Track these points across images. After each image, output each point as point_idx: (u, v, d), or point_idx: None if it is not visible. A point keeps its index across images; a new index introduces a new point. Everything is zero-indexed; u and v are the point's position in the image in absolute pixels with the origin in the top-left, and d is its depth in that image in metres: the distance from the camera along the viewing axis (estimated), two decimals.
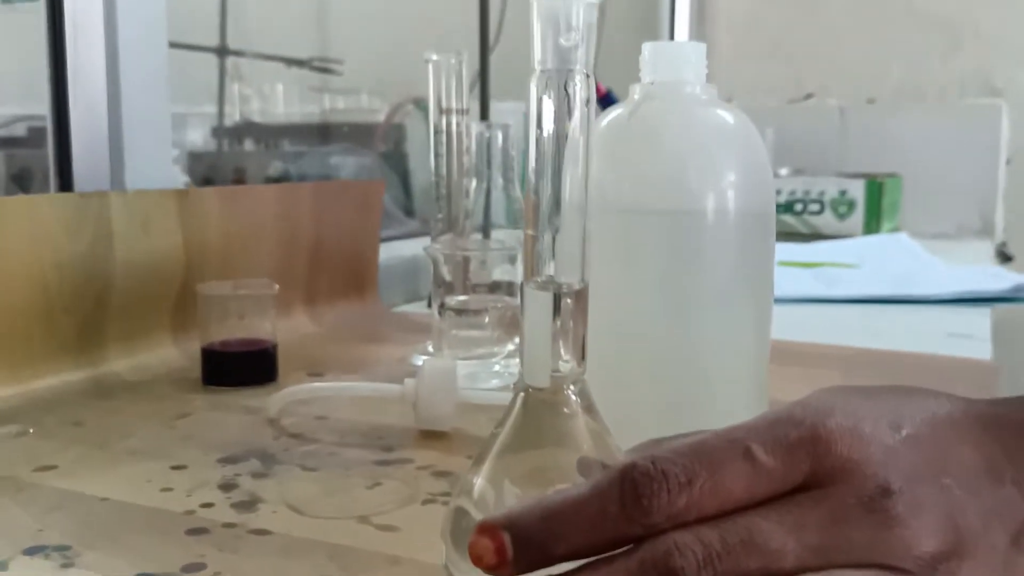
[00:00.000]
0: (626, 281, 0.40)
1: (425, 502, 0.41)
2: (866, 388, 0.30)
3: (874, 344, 0.74)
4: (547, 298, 0.31)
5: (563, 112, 0.29)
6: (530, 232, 0.30)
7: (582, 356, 0.32)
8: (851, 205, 1.49)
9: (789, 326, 0.74)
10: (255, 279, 0.63)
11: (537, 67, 0.29)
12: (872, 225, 1.48)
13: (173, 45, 0.74)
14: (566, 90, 0.29)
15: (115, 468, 0.45)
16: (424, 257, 0.67)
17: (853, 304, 0.94)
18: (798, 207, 1.52)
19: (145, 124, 0.71)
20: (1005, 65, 1.62)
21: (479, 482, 0.31)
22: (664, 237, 0.40)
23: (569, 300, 0.31)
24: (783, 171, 1.65)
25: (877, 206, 1.48)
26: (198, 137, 1.46)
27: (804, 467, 0.26)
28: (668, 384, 0.40)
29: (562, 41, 0.28)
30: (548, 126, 0.29)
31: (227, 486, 0.42)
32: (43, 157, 1.58)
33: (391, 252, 0.97)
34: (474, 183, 0.67)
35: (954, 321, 0.85)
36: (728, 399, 0.41)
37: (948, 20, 1.64)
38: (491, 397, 0.53)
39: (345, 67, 1.55)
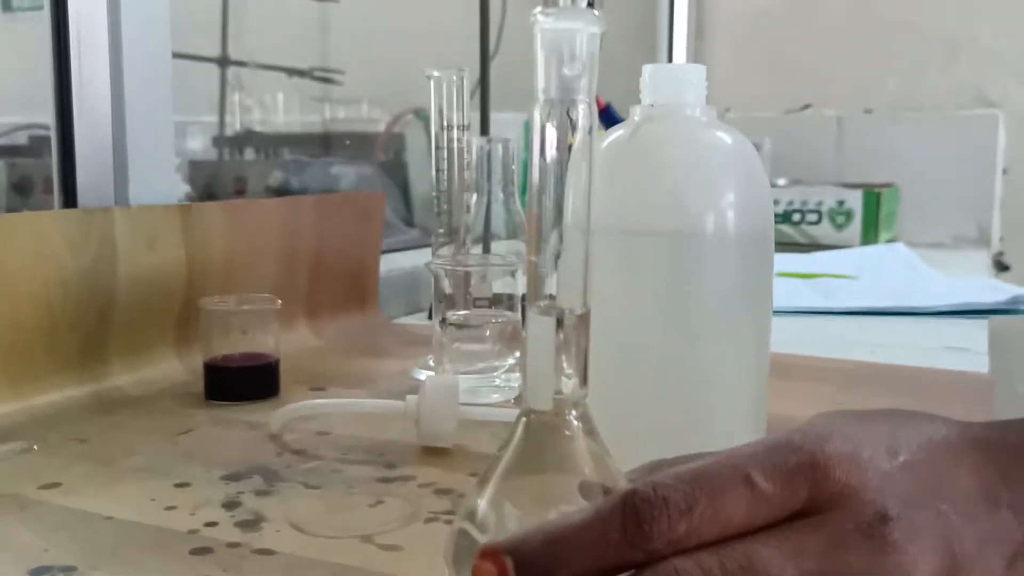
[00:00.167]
0: (627, 301, 0.41)
1: (427, 520, 0.41)
2: (863, 413, 0.31)
3: (872, 357, 0.74)
4: (550, 323, 0.31)
5: (565, 140, 0.29)
6: (532, 258, 0.31)
7: (584, 379, 0.32)
8: (849, 215, 1.49)
9: (788, 339, 0.75)
10: (258, 294, 0.64)
11: (540, 96, 0.29)
12: (870, 235, 1.49)
13: (175, 55, 0.74)
14: (569, 117, 0.29)
15: (119, 486, 0.45)
16: (424, 268, 0.68)
17: (851, 316, 0.94)
18: (796, 217, 1.53)
19: (149, 134, 0.71)
20: (1001, 76, 1.63)
21: (482, 505, 0.32)
22: (665, 258, 0.40)
23: (571, 324, 0.31)
24: (781, 181, 1.66)
25: (875, 216, 1.49)
26: (199, 146, 1.47)
27: (803, 493, 0.27)
28: (669, 403, 0.40)
29: (565, 71, 0.29)
30: (551, 154, 0.30)
31: (230, 504, 0.43)
32: (44, 166, 1.58)
33: (392, 264, 0.97)
34: (474, 197, 0.68)
35: (951, 334, 0.85)
36: (729, 417, 0.41)
37: (944, 32, 1.65)
38: (492, 414, 0.53)
39: (346, 77, 1.56)
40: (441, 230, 0.67)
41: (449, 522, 0.41)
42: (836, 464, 0.27)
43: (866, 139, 1.70)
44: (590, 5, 0.39)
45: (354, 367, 0.71)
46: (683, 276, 0.40)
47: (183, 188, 1.24)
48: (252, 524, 0.40)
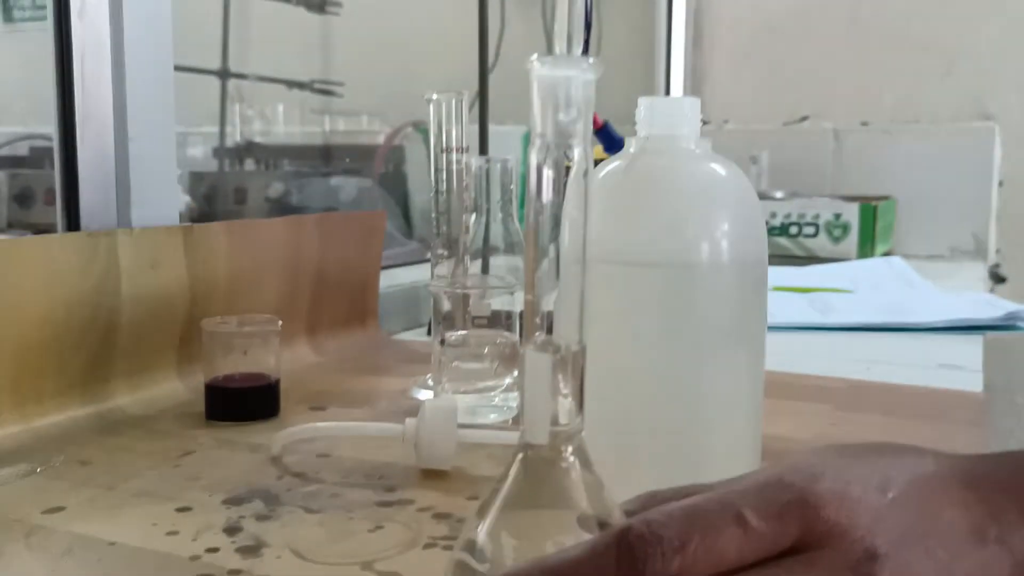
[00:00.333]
0: (624, 330, 0.41)
1: (426, 546, 0.42)
2: (854, 448, 0.32)
3: (867, 375, 0.75)
4: (546, 360, 0.32)
5: (561, 182, 0.30)
6: (529, 297, 0.31)
7: (580, 414, 0.33)
8: (846, 228, 1.50)
9: (784, 355, 0.75)
10: (259, 315, 0.64)
11: (537, 140, 0.30)
12: (866, 248, 1.50)
13: (177, 68, 0.75)
14: (566, 158, 0.30)
15: (122, 510, 0.46)
16: (423, 284, 0.68)
17: (847, 332, 0.95)
18: (793, 230, 1.53)
19: (151, 147, 0.72)
20: (997, 90, 1.64)
21: (481, 537, 0.32)
22: (661, 288, 0.41)
23: (567, 361, 0.32)
24: (778, 194, 1.67)
25: (871, 229, 1.50)
26: (200, 158, 1.48)
27: (794, 531, 0.28)
28: (666, 430, 0.41)
29: (561, 116, 0.29)
30: (547, 196, 0.30)
31: (232, 529, 0.43)
32: (45, 177, 1.59)
33: (391, 279, 0.98)
34: (473, 217, 0.69)
35: (946, 351, 0.86)
36: (724, 444, 0.42)
37: (941, 45, 1.66)
38: (490, 436, 0.54)
39: (346, 89, 1.56)
40: (440, 251, 0.68)
41: (447, 548, 0.41)
42: (827, 503, 0.28)
43: (863, 152, 1.71)
44: (585, 52, 0.40)
45: (354, 385, 0.71)
46: (679, 305, 0.41)
47: (183, 199, 1.24)
48: (253, 550, 0.41)
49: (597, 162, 0.81)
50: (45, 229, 1.39)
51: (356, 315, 0.86)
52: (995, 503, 0.30)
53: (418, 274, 1.07)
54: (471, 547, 0.32)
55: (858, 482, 0.29)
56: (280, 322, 0.63)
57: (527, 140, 0.31)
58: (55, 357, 0.59)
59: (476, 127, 1.34)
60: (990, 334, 0.94)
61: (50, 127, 0.73)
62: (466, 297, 0.66)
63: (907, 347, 0.89)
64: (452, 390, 0.64)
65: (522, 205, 0.87)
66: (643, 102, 0.43)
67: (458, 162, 0.67)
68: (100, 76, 0.69)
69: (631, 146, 0.43)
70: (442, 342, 0.65)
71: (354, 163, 1.58)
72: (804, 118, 1.77)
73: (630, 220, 0.41)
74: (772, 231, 1.53)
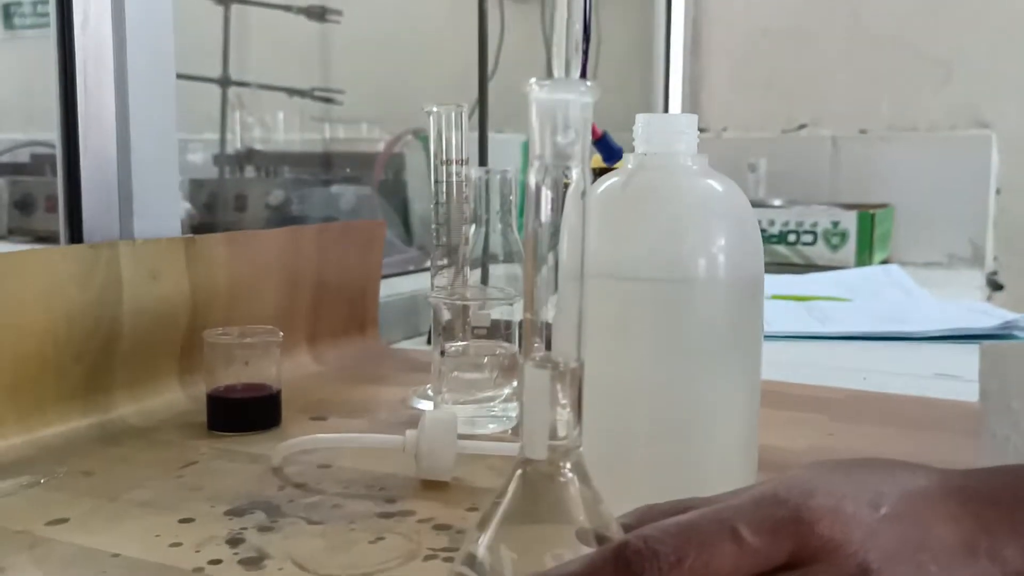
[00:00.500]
0: (621, 345, 0.42)
1: (427, 558, 0.42)
2: (847, 463, 0.32)
3: (863, 384, 0.75)
4: (544, 376, 0.32)
5: (560, 203, 0.31)
6: (528, 315, 0.32)
7: (578, 429, 0.33)
8: (844, 236, 1.51)
9: (782, 364, 0.76)
10: (260, 326, 0.65)
11: (536, 161, 0.30)
12: (864, 255, 1.50)
13: (178, 76, 0.75)
14: (564, 179, 0.31)
15: (125, 521, 0.46)
16: (423, 292, 0.69)
17: (844, 340, 0.96)
18: (791, 238, 1.54)
19: (153, 155, 0.72)
20: (994, 97, 1.65)
21: (481, 551, 0.33)
22: (658, 303, 0.41)
23: (566, 377, 0.32)
24: (777, 202, 1.67)
25: (869, 237, 1.50)
26: (200, 165, 1.48)
27: (788, 546, 0.28)
28: (662, 444, 0.42)
29: (559, 138, 0.30)
30: (545, 216, 0.31)
31: (234, 541, 0.44)
32: (46, 184, 1.59)
33: (391, 288, 0.99)
34: (473, 228, 0.69)
35: (942, 360, 0.86)
36: (720, 457, 0.43)
37: (939, 54, 1.67)
38: (490, 448, 0.54)
39: (346, 97, 1.57)
40: (440, 262, 0.68)
41: (448, 560, 0.42)
42: (820, 518, 0.28)
43: (861, 159, 1.72)
44: (585, 60, 0.40)
45: (354, 395, 0.72)
46: (675, 320, 0.41)
47: (184, 206, 1.25)
48: (255, 562, 0.41)
49: (596, 171, 0.82)
50: (46, 236, 1.39)
51: (356, 324, 0.86)
52: (986, 518, 0.30)
53: (418, 283, 1.07)
54: (471, 561, 0.33)
55: (851, 498, 0.29)
56: (281, 333, 0.64)
57: (527, 148, 0.31)
58: (57, 368, 0.59)
59: (475, 135, 1.35)
60: (986, 343, 0.94)
61: (51, 134, 0.73)
62: (466, 308, 0.66)
63: (903, 356, 0.90)
64: (452, 400, 0.65)
65: (521, 214, 0.87)
66: (641, 119, 0.43)
67: (458, 174, 0.68)
68: (102, 86, 0.70)
69: (629, 162, 0.43)
70: (442, 352, 0.66)
71: (354, 170, 1.59)
72: (802, 126, 1.78)
73: (628, 235, 0.42)
74: (770, 239, 1.54)
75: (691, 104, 1.86)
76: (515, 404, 0.65)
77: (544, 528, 0.33)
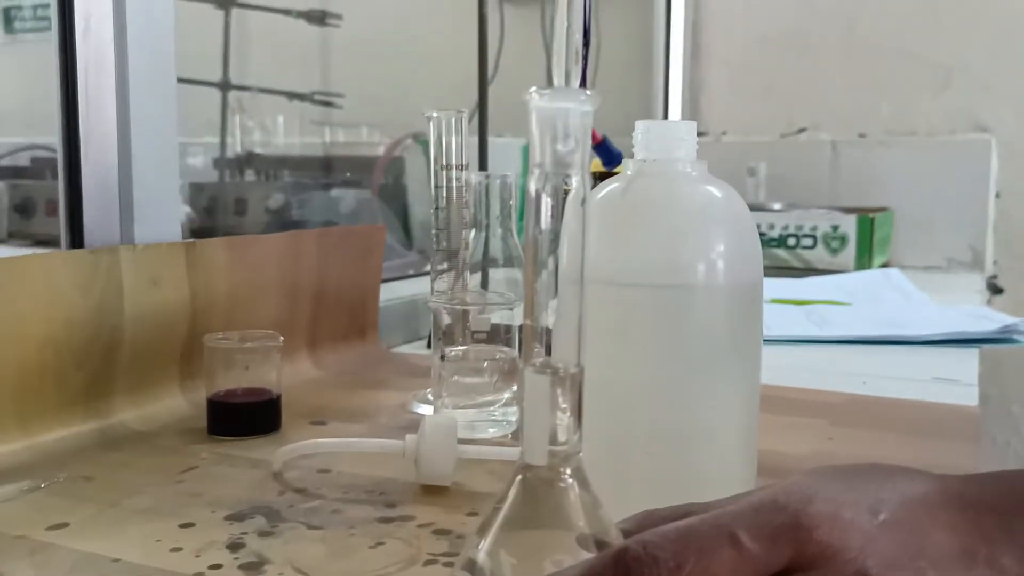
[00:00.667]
0: (620, 351, 0.42)
1: (427, 563, 0.42)
2: (846, 469, 0.32)
3: (862, 389, 0.76)
4: (545, 382, 0.32)
5: (560, 210, 0.31)
6: (528, 322, 0.32)
7: (578, 434, 0.33)
8: (843, 240, 1.51)
9: (781, 368, 0.76)
10: (261, 330, 0.65)
11: (536, 169, 0.31)
12: (864, 259, 1.51)
13: (178, 80, 0.76)
14: (564, 187, 0.31)
15: (126, 526, 0.46)
16: (423, 297, 0.69)
17: (843, 345, 0.96)
18: (791, 242, 1.54)
19: (155, 161, 0.72)
20: (993, 102, 1.65)
21: (481, 556, 0.33)
22: (657, 309, 0.42)
23: (566, 383, 0.32)
24: (776, 205, 1.68)
25: (869, 241, 1.50)
26: (200, 168, 1.49)
27: (787, 552, 0.28)
28: (661, 450, 0.42)
29: (559, 147, 0.30)
30: (545, 223, 0.31)
31: (234, 546, 0.44)
32: (46, 188, 1.59)
33: (391, 293, 0.99)
34: (473, 232, 0.69)
35: (942, 364, 0.87)
36: (719, 463, 0.43)
37: (938, 58, 1.67)
38: (491, 452, 0.54)
39: (346, 101, 1.57)
40: (440, 267, 0.69)
41: (448, 565, 0.42)
42: (819, 524, 0.28)
43: (860, 163, 1.72)
44: (584, 65, 0.40)
45: (354, 400, 0.72)
46: (675, 326, 0.41)
47: (184, 210, 1.25)
48: (256, 567, 0.42)
49: (595, 175, 0.82)
50: (46, 239, 1.39)
51: (356, 329, 0.87)
52: (984, 525, 0.30)
53: (417, 287, 1.07)
54: (471, 566, 0.33)
55: (850, 504, 0.29)
56: (281, 338, 0.64)
57: (526, 152, 0.31)
58: (57, 373, 0.59)
59: (475, 139, 1.35)
60: (986, 347, 0.94)
61: (51, 137, 0.73)
62: (466, 312, 0.66)
63: (903, 361, 0.90)
64: (452, 404, 0.65)
65: (521, 219, 0.88)
66: (640, 125, 0.43)
67: (458, 179, 0.68)
68: (103, 90, 0.70)
69: (628, 168, 0.44)
70: (442, 357, 0.66)
71: (354, 175, 1.59)
72: (802, 130, 1.78)
73: (627, 242, 0.42)
74: (770, 243, 1.54)
75: (691, 109, 1.86)
76: (515, 408, 0.65)
77: (544, 533, 0.33)
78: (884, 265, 1.58)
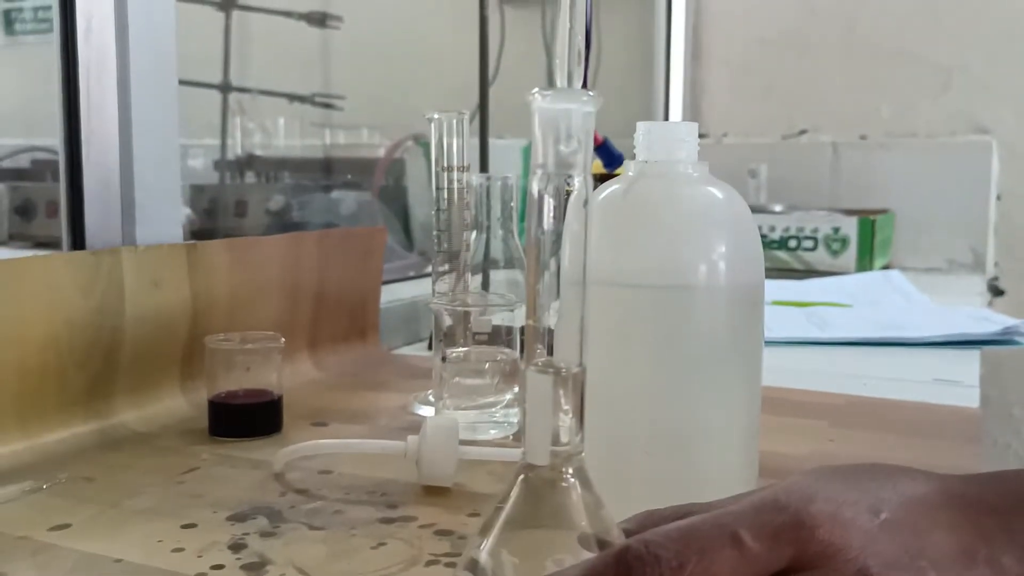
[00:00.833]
0: (622, 352, 0.42)
1: (428, 564, 0.42)
2: (846, 469, 0.32)
3: (863, 390, 0.75)
4: (547, 381, 0.32)
5: (562, 211, 0.31)
6: (530, 322, 0.32)
7: (580, 434, 0.33)
8: (844, 242, 1.51)
9: (782, 370, 0.76)
10: (262, 332, 0.65)
11: (538, 170, 0.31)
12: (865, 261, 1.51)
13: (179, 82, 0.76)
14: (567, 187, 0.31)
15: (127, 527, 0.46)
16: (423, 298, 0.69)
17: (844, 346, 0.96)
18: (792, 244, 1.54)
19: (156, 163, 0.72)
20: (994, 104, 1.65)
21: (483, 556, 0.33)
22: (658, 310, 0.42)
23: (568, 383, 0.32)
24: (777, 207, 1.68)
25: (870, 243, 1.50)
26: (201, 170, 1.49)
27: (788, 552, 0.28)
28: (663, 451, 0.42)
29: (562, 147, 0.30)
30: (548, 224, 0.31)
31: (236, 546, 0.44)
32: (46, 190, 1.59)
33: (392, 294, 0.99)
34: (474, 234, 0.69)
35: (942, 366, 0.87)
36: (721, 464, 0.43)
37: (938, 60, 1.67)
38: (492, 453, 0.54)
39: (346, 103, 1.58)
40: (442, 268, 0.69)
41: (449, 565, 0.42)
42: (820, 524, 0.28)
43: (861, 165, 1.73)
44: (586, 67, 0.40)
45: (355, 401, 0.72)
46: (676, 327, 0.41)
47: (184, 211, 1.25)
48: (257, 567, 0.42)
49: (596, 176, 0.82)
50: (46, 241, 1.39)
51: (357, 331, 0.87)
52: (985, 524, 0.30)
53: (418, 288, 1.07)
54: (473, 566, 0.33)
55: (851, 504, 0.29)
56: (282, 339, 0.64)
57: (527, 153, 0.32)
58: (59, 374, 0.59)
59: (476, 141, 1.35)
60: (987, 349, 0.94)
61: (51, 139, 0.73)
62: (467, 314, 0.66)
63: (904, 362, 0.90)
64: (453, 406, 0.65)
65: (522, 220, 0.88)
66: (641, 127, 0.43)
67: (459, 180, 0.68)
68: (105, 92, 0.70)
69: (630, 170, 0.44)
70: (443, 358, 0.66)
71: (354, 176, 1.59)
72: (802, 132, 1.78)
73: (628, 243, 0.42)
74: (771, 245, 1.54)
75: (692, 110, 1.86)
76: (516, 410, 0.65)
77: (546, 533, 0.33)
78: (885, 267, 1.58)
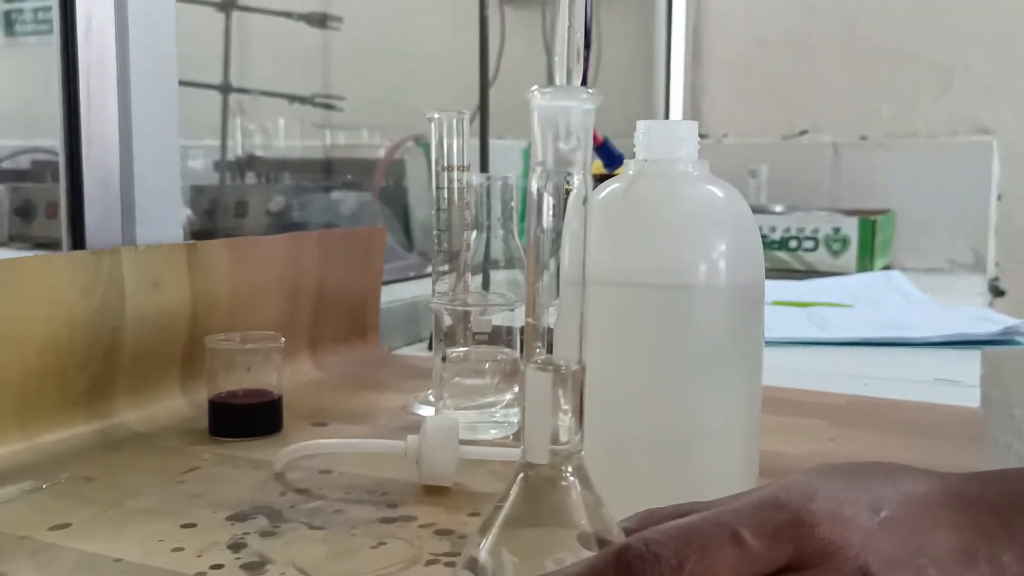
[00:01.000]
0: (621, 351, 0.42)
1: (428, 563, 0.42)
2: (846, 467, 0.32)
3: (864, 390, 0.75)
4: (546, 379, 0.32)
5: (561, 209, 0.31)
6: (530, 320, 0.32)
7: (580, 433, 0.33)
8: (845, 242, 1.51)
9: (782, 370, 0.76)
10: (262, 332, 0.65)
11: (538, 167, 0.31)
12: (865, 262, 1.51)
13: (179, 83, 0.76)
14: (566, 185, 0.31)
15: (127, 527, 0.46)
16: (423, 298, 0.69)
17: (844, 346, 0.96)
18: (792, 244, 1.54)
19: (156, 164, 0.72)
20: (994, 104, 1.65)
21: (482, 555, 0.33)
22: (658, 309, 0.42)
23: (567, 381, 0.32)
24: (778, 208, 1.68)
25: (870, 243, 1.50)
26: (201, 171, 1.49)
27: (788, 550, 0.28)
28: (663, 451, 0.42)
29: (561, 145, 0.30)
30: (547, 221, 0.31)
31: (236, 546, 0.44)
32: (46, 191, 1.59)
33: (392, 295, 0.99)
34: (474, 234, 0.69)
35: (943, 365, 0.87)
36: (721, 464, 0.43)
37: (939, 61, 1.67)
38: (492, 453, 0.54)
39: (346, 104, 1.58)
40: (442, 268, 0.69)
41: (449, 565, 0.42)
42: (820, 522, 0.28)
43: (862, 166, 1.72)
44: (585, 68, 0.40)
45: (355, 401, 0.72)
46: (676, 326, 0.41)
47: (184, 212, 1.25)
48: (257, 566, 0.42)
49: (596, 177, 0.82)
50: (47, 242, 1.39)
51: (357, 331, 0.87)
52: (985, 523, 0.30)
53: (418, 289, 1.07)
54: (473, 565, 0.33)
55: (851, 502, 0.29)
56: (283, 339, 0.64)
57: (527, 154, 0.31)
58: (59, 375, 0.59)
59: (476, 141, 1.35)
60: (987, 349, 0.95)
61: (52, 140, 0.73)
62: (467, 313, 0.66)
63: (904, 362, 0.90)
64: (453, 406, 0.65)
65: (522, 220, 0.88)
66: (642, 125, 0.43)
67: (459, 180, 0.68)
68: (105, 93, 0.70)
69: (630, 168, 0.44)
70: (443, 358, 0.66)
71: (355, 177, 1.59)
72: (803, 132, 1.78)
73: (628, 242, 0.42)
74: (771, 245, 1.54)
75: (692, 111, 1.86)
76: (516, 410, 0.65)
77: (546, 532, 0.33)
78: (886, 267, 1.58)
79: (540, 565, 0.32)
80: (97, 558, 0.42)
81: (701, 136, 0.44)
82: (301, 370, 0.78)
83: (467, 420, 0.63)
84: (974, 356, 0.90)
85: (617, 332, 0.41)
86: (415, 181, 1.53)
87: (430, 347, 0.78)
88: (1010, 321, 1.00)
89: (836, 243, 1.52)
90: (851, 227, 1.51)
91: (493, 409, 0.65)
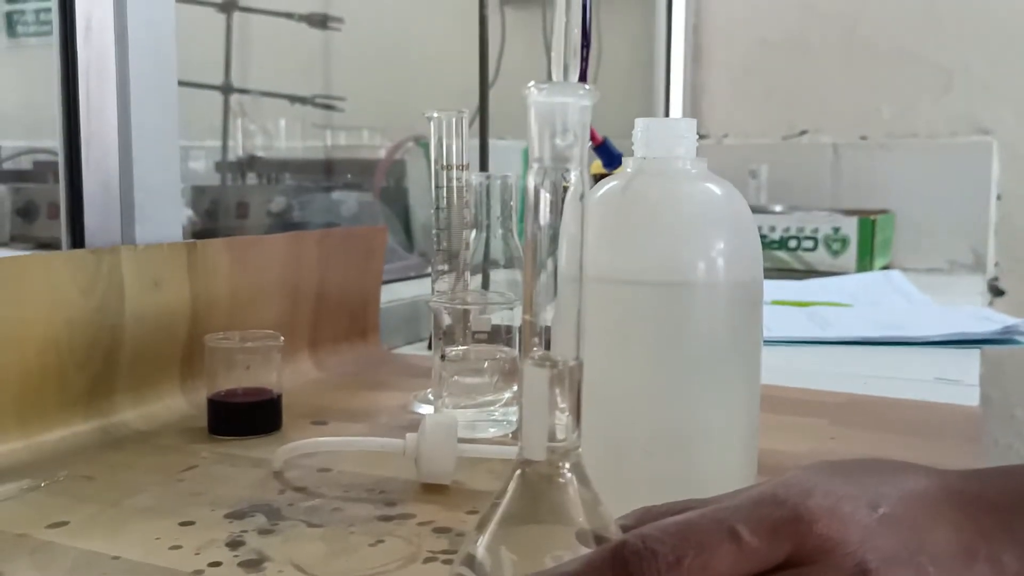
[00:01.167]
0: (620, 349, 0.42)
1: (427, 560, 0.42)
2: (845, 464, 0.32)
3: (864, 389, 0.75)
4: (543, 375, 0.32)
5: (559, 205, 0.31)
6: (527, 317, 0.32)
7: (577, 429, 0.33)
8: (845, 242, 1.51)
9: (782, 369, 0.76)
10: (261, 330, 0.65)
11: (535, 164, 0.31)
12: (865, 261, 1.51)
13: (180, 83, 0.76)
14: (563, 182, 0.31)
15: (126, 525, 0.46)
16: (424, 298, 0.69)
17: (845, 346, 0.96)
18: (792, 244, 1.54)
19: (156, 164, 0.72)
20: (994, 104, 1.65)
21: (480, 552, 0.33)
22: (657, 307, 0.42)
23: (565, 377, 0.32)
24: (778, 208, 1.68)
25: (870, 243, 1.50)
26: (202, 172, 1.49)
27: (786, 546, 0.28)
28: (661, 449, 0.42)
29: (558, 141, 0.30)
30: (545, 218, 0.31)
31: (234, 544, 0.44)
32: (48, 191, 1.59)
33: (392, 294, 0.99)
34: (474, 233, 0.69)
35: (943, 365, 0.86)
36: (719, 462, 0.43)
37: (939, 61, 1.67)
38: (490, 451, 0.54)
39: (347, 104, 1.58)
40: (441, 267, 0.69)
41: (448, 562, 0.42)
42: (818, 518, 0.28)
43: (862, 166, 1.72)
44: (584, 67, 0.40)
45: (355, 400, 0.72)
46: (675, 324, 0.41)
47: (185, 213, 1.25)
48: (256, 564, 0.42)
49: (595, 176, 0.83)
50: (48, 243, 1.39)
51: (357, 330, 0.87)
52: (984, 523, 0.30)
53: (418, 288, 1.07)
54: (470, 562, 0.33)
55: (850, 498, 0.29)
56: (282, 338, 0.64)
57: (527, 155, 0.31)
58: (58, 373, 0.59)
59: (476, 142, 1.35)
60: (987, 348, 0.95)
61: (52, 141, 0.73)
62: (466, 312, 0.66)
63: (904, 361, 0.90)
64: (452, 404, 0.65)
65: (522, 220, 0.88)
66: (640, 123, 0.43)
67: (459, 179, 0.68)
68: (104, 93, 0.70)
69: (628, 166, 0.44)
70: (443, 357, 0.66)
71: (355, 177, 1.59)
72: (803, 132, 1.78)
73: (627, 239, 0.42)
74: (771, 245, 1.54)
75: (692, 111, 1.86)
76: (515, 408, 0.65)
77: (543, 529, 0.33)
78: (885, 267, 1.58)
79: (538, 562, 0.32)
80: (95, 556, 0.42)
81: (701, 136, 0.44)
82: (301, 369, 0.78)
83: (466, 418, 0.63)
84: (974, 355, 0.90)
85: (615, 330, 0.41)
86: (416, 181, 1.53)
87: (430, 346, 0.78)
88: (1010, 320, 1.00)
89: (836, 243, 1.52)
90: (851, 227, 1.51)
91: (492, 407, 0.65)
